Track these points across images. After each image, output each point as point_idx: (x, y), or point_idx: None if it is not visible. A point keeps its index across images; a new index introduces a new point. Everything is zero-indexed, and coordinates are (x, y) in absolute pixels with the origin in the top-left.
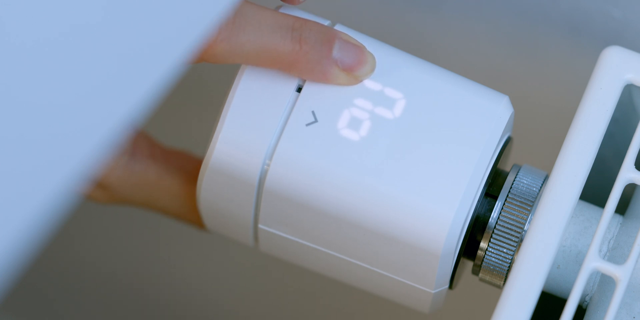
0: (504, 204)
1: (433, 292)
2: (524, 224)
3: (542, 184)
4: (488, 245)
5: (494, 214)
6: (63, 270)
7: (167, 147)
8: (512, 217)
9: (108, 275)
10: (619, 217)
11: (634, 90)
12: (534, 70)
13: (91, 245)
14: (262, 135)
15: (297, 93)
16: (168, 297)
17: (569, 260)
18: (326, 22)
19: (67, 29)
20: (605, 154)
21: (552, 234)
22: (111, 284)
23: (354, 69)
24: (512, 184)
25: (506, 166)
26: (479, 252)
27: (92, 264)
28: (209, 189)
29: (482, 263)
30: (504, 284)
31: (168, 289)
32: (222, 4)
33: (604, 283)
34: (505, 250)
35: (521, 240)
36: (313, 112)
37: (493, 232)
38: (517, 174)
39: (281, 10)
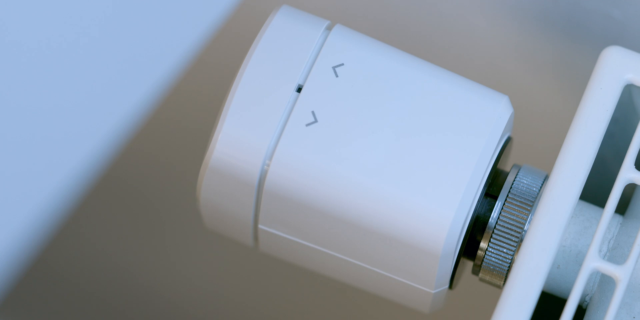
0: (504, 204)
1: (433, 292)
2: (524, 224)
3: (542, 184)
4: (488, 245)
5: (494, 214)
6: (59, 271)
7: None
8: (512, 217)
9: (104, 276)
10: (619, 217)
11: (634, 90)
12: (534, 70)
13: (87, 246)
14: (262, 135)
15: (297, 93)
16: (167, 298)
17: (569, 260)
18: (326, 23)
19: (67, 30)
20: (605, 154)
21: (552, 234)
22: (107, 284)
23: None
24: (512, 184)
25: (506, 166)
26: (479, 252)
27: (86, 265)
28: (209, 189)
29: (482, 263)
30: (504, 284)
31: (167, 291)
32: (222, 4)
33: (604, 283)
34: (505, 250)
35: (521, 240)
36: (313, 112)
37: (493, 232)
38: (517, 174)
39: (281, 10)
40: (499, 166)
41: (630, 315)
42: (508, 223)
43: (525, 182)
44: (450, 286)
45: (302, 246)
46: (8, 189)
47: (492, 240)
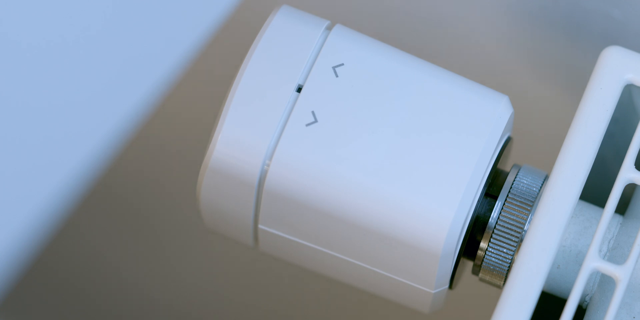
0: (504, 204)
1: (433, 292)
2: (524, 224)
3: (542, 184)
4: (488, 245)
5: (494, 214)
6: (59, 272)
7: None
8: (512, 217)
9: (104, 277)
10: (619, 217)
11: (634, 90)
12: (534, 70)
13: (86, 247)
14: (262, 135)
15: (297, 93)
16: (166, 298)
17: (569, 260)
18: (326, 23)
19: (67, 30)
20: (605, 154)
21: (552, 234)
22: (107, 285)
23: None
24: (512, 184)
25: (506, 166)
26: (479, 252)
27: (85, 266)
28: (209, 189)
29: (482, 263)
30: (504, 284)
31: (167, 291)
32: (222, 4)
33: (604, 283)
34: (505, 250)
35: (521, 240)
36: (313, 112)
37: (493, 232)
38: (517, 174)
39: (281, 10)
40: (499, 166)
41: (630, 315)
42: (508, 223)
43: (525, 182)
44: (450, 286)
45: (302, 246)
46: (8, 189)
47: (492, 240)
